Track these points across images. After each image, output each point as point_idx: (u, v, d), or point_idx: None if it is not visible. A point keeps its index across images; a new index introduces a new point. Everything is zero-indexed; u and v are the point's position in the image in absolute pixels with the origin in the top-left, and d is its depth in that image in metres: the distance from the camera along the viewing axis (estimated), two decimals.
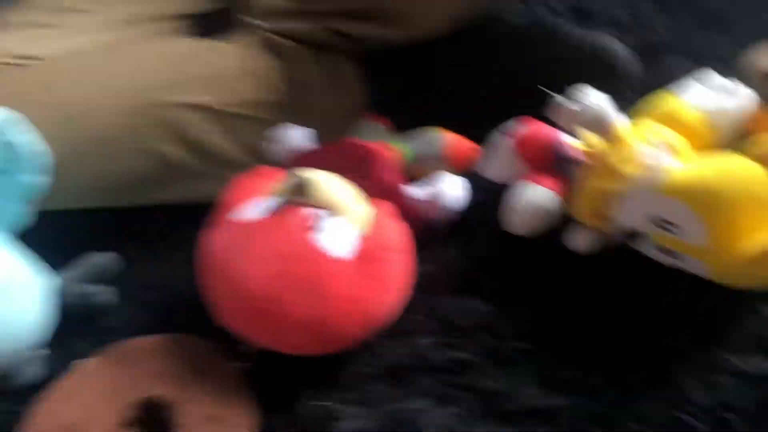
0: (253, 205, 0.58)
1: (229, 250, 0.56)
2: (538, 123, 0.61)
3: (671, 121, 0.55)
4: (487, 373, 0.53)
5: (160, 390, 0.59)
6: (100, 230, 0.73)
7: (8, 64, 0.71)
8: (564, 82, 0.58)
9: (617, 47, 0.66)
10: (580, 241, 0.57)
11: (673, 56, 0.67)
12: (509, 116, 0.62)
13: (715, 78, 0.59)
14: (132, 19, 0.78)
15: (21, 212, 0.67)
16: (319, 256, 0.53)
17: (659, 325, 0.52)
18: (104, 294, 0.68)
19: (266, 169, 0.62)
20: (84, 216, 0.73)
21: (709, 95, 0.57)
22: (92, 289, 0.68)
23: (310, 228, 0.54)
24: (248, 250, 0.55)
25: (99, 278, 0.69)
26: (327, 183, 0.57)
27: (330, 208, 0.56)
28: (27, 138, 0.63)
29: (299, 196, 0.56)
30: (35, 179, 0.66)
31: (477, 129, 0.65)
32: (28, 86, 0.69)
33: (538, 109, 0.60)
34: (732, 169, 0.48)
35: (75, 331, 0.67)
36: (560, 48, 0.66)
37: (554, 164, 0.59)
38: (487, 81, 0.68)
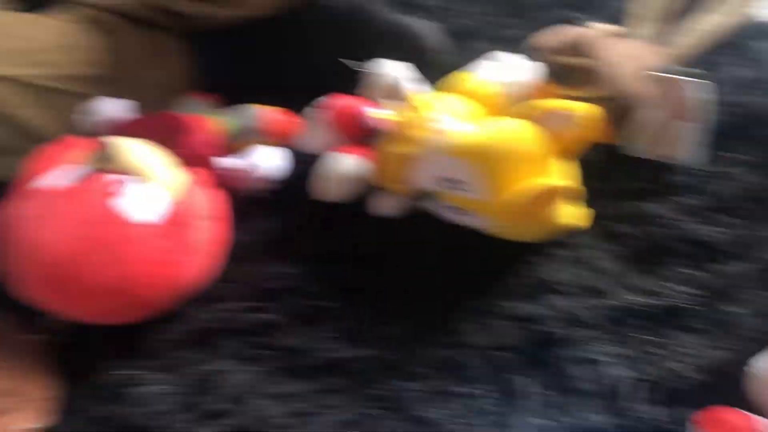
0: (57, 174, 0.57)
1: (28, 219, 0.55)
2: (351, 97, 0.63)
3: (464, 94, 0.59)
4: (290, 332, 0.55)
5: None
6: None
7: None
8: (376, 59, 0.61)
9: (426, 29, 0.71)
10: (382, 205, 0.60)
11: (480, 41, 0.72)
12: (325, 92, 0.65)
13: (507, 57, 0.64)
14: None
15: None
16: (120, 221, 0.53)
17: (445, 279, 0.56)
18: None
19: (73, 139, 0.61)
20: None
21: (499, 71, 0.62)
22: None
23: (113, 193, 0.54)
24: (48, 217, 0.54)
25: None
26: (133, 149, 0.57)
27: (136, 174, 0.56)
28: None
29: (105, 163, 0.56)
30: None
31: (297, 104, 0.66)
32: None
33: (353, 85, 0.64)
34: (506, 128, 0.53)
35: None
36: (374, 29, 0.69)
37: (364, 135, 0.62)
38: (306, 59, 0.70)
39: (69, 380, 0.55)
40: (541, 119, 0.53)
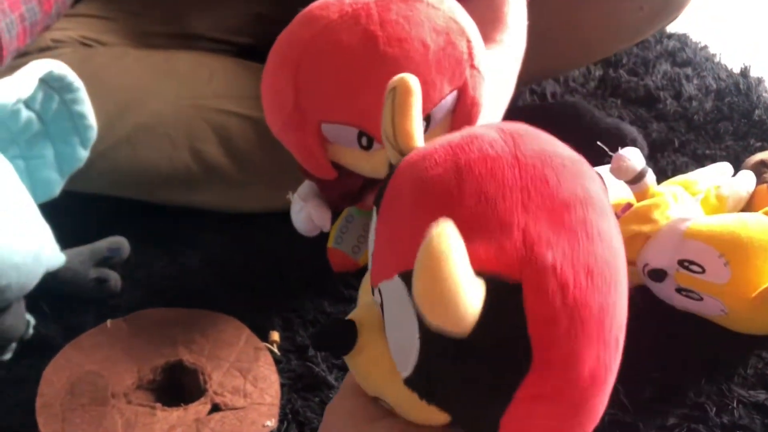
0: None
1: None
2: None
3: (691, 191, 0.64)
4: None
5: (182, 356, 0.59)
6: (112, 220, 0.74)
7: (76, 42, 0.74)
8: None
9: (635, 132, 0.77)
10: None
11: (673, 153, 0.79)
12: None
13: (726, 167, 0.69)
14: (176, 34, 0.82)
15: (53, 182, 0.68)
16: None
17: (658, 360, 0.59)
18: (110, 277, 0.68)
19: None
20: (102, 203, 0.75)
21: (722, 177, 0.67)
22: (98, 271, 0.68)
23: None
24: None
25: (106, 262, 0.70)
26: None
27: None
28: (86, 109, 0.66)
29: None
30: (80, 152, 0.67)
31: None
32: (93, 66, 0.71)
33: None
34: (749, 218, 0.57)
35: (81, 308, 0.67)
36: (593, 127, 0.76)
37: None
38: None
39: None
40: None
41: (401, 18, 0.47)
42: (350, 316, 0.36)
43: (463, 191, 0.31)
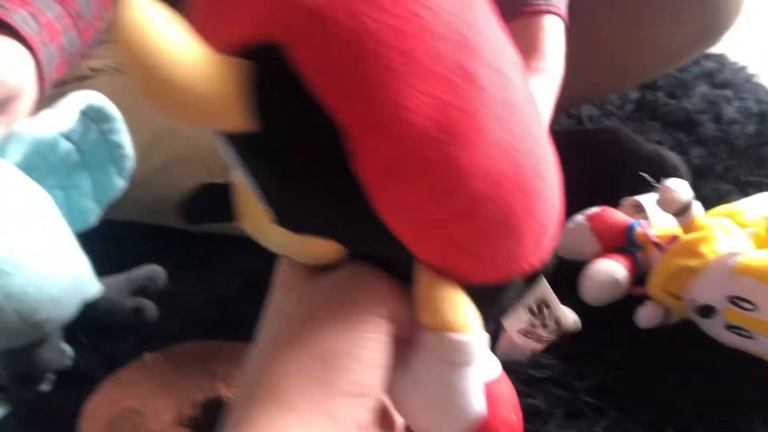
0: None
1: None
2: (613, 209, 0.67)
3: (738, 222, 0.62)
4: (551, 420, 0.56)
5: (221, 391, 0.58)
6: (148, 247, 0.74)
7: (113, 70, 0.74)
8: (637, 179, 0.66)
9: (677, 159, 0.75)
10: (647, 314, 0.61)
11: (714, 181, 0.78)
12: (590, 204, 0.69)
13: None
14: None
15: (90, 211, 0.68)
16: None
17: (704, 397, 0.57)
18: (147, 307, 0.68)
19: None
20: (138, 230, 0.75)
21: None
22: (134, 300, 0.68)
23: None
24: None
25: (142, 291, 0.70)
26: None
27: None
28: (123, 138, 0.66)
29: None
30: (117, 181, 0.67)
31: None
32: (130, 94, 0.71)
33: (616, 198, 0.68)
34: None
35: (118, 337, 0.66)
36: (633, 153, 0.74)
37: (624, 245, 0.65)
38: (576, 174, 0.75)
39: None
40: None
41: None
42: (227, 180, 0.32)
43: None
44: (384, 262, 0.30)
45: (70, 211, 0.66)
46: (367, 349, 0.29)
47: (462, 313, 0.28)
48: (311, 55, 0.23)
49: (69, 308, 0.62)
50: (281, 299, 0.33)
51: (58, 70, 0.65)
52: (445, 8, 0.24)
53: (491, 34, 0.26)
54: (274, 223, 0.29)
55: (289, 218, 0.29)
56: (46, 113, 0.58)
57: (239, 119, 0.24)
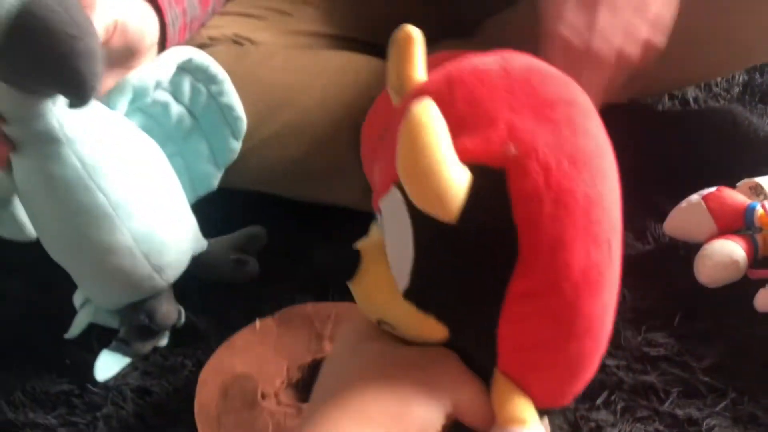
0: None
1: None
2: (730, 189, 0.65)
3: None
4: (666, 399, 0.55)
5: (328, 351, 0.59)
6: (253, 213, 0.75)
7: (230, 41, 0.76)
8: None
9: None
10: (765, 299, 0.60)
11: None
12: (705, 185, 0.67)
13: None
14: (322, 33, 0.83)
15: (211, 175, 0.70)
16: None
17: None
18: (249, 261, 0.70)
19: None
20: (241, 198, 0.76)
21: None
22: (238, 255, 0.70)
23: None
24: None
25: (245, 250, 0.71)
26: None
27: None
28: (234, 100, 0.67)
29: None
30: (232, 143, 0.69)
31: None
32: (246, 64, 0.73)
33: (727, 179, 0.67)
34: None
35: (228, 298, 0.68)
36: (751, 136, 0.73)
37: (742, 227, 0.63)
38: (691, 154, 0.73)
39: None
40: None
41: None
42: (355, 246, 0.37)
43: (454, 95, 0.33)
44: (467, 355, 0.35)
45: (191, 177, 0.68)
46: (431, 422, 0.33)
47: (527, 412, 0.34)
48: (522, 192, 0.30)
49: (186, 255, 0.64)
50: (356, 344, 0.37)
51: (180, 33, 0.67)
52: (611, 193, 0.32)
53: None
54: (400, 293, 0.34)
55: (423, 294, 0.33)
56: (145, 65, 0.60)
57: (450, 211, 0.30)
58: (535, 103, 0.32)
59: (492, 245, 0.31)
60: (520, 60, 0.34)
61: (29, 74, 0.49)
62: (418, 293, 0.33)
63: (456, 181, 0.29)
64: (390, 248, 0.35)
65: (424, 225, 0.31)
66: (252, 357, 0.60)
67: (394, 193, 0.33)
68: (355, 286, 0.37)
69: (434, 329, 0.34)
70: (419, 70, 0.36)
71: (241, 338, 0.62)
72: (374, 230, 0.38)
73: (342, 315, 0.62)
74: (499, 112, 0.31)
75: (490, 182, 0.30)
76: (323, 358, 0.58)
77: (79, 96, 0.49)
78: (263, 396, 0.57)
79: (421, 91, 0.33)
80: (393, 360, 0.35)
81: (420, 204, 0.30)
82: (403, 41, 0.36)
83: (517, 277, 0.30)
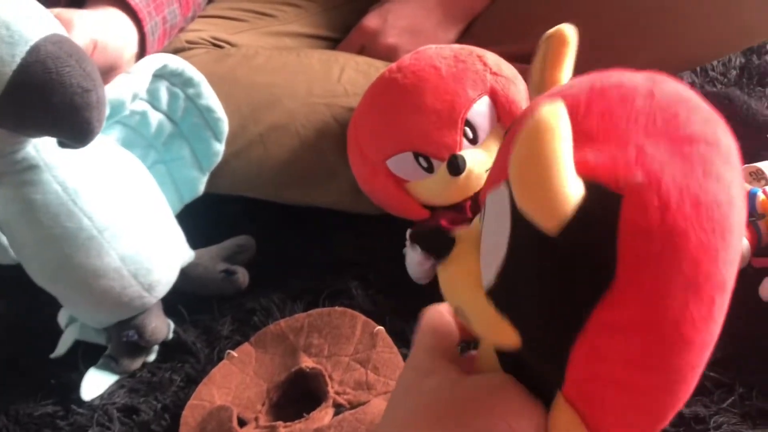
0: None
1: None
2: None
3: None
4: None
5: (303, 363, 0.58)
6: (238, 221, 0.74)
7: (209, 44, 0.74)
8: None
9: None
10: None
11: None
12: None
13: None
14: (305, 34, 0.82)
15: (196, 180, 0.68)
16: None
17: None
18: (238, 271, 0.68)
19: None
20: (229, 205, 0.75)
21: None
22: (226, 265, 0.68)
23: None
24: None
25: (233, 260, 0.70)
26: None
27: None
28: (212, 102, 0.65)
29: None
30: (215, 146, 0.67)
31: None
32: (226, 66, 0.71)
33: None
34: None
35: (216, 310, 0.66)
36: (749, 118, 0.70)
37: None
38: None
39: None
40: None
41: (413, 59, 0.62)
42: (452, 233, 0.37)
43: (590, 107, 0.30)
44: (529, 377, 0.34)
45: (176, 183, 0.66)
46: None
47: None
48: (634, 223, 0.28)
49: (175, 270, 0.63)
50: (414, 382, 0.37)
51: (159, 41, 0.65)
52: (729, 250, 0.29)
53: None
54: (482, 289, 0.33)
55: (506, 295, 0.32)
56: (120, 77, 0.58)
57: (554, 221, 0.28)
58: (674, 134, 0.29)
59: (587, 267, 0.29)
60: (671, 86, 0.31)
61: (39, 125, 0.48)
62: (501, 294, 0.32)
63: (568, 193, 0.27)
64: (484, 243, 0.34)
65: (522, 229, 0.30)
66: (232, 386, 0.59)
67: (503, 191, 0.32)
68: (442, 271, 0.36)
69: (507, 333, 0.33)
70: (565, 73, 0.35)
71: (220, 371, 0.60)
72: (476, 221, 0.37)
73: (314, 324, 0.61)
74: (632, 134, 0.29)
75: (603, 204, 0.28)
76: (299, 369, 0.57)
77: (82, 142, 0.48)
78: (245, 422, 0.55)
79: (558, 94, 0.31)
80: (448, 401, 0.35)
81: (525, 207, 0.28)
82: (556, 41, 0.35)
83: (606, 307, 0.29)
